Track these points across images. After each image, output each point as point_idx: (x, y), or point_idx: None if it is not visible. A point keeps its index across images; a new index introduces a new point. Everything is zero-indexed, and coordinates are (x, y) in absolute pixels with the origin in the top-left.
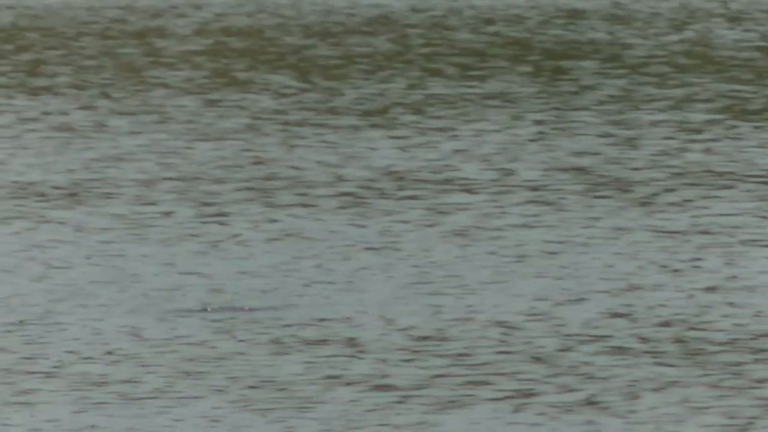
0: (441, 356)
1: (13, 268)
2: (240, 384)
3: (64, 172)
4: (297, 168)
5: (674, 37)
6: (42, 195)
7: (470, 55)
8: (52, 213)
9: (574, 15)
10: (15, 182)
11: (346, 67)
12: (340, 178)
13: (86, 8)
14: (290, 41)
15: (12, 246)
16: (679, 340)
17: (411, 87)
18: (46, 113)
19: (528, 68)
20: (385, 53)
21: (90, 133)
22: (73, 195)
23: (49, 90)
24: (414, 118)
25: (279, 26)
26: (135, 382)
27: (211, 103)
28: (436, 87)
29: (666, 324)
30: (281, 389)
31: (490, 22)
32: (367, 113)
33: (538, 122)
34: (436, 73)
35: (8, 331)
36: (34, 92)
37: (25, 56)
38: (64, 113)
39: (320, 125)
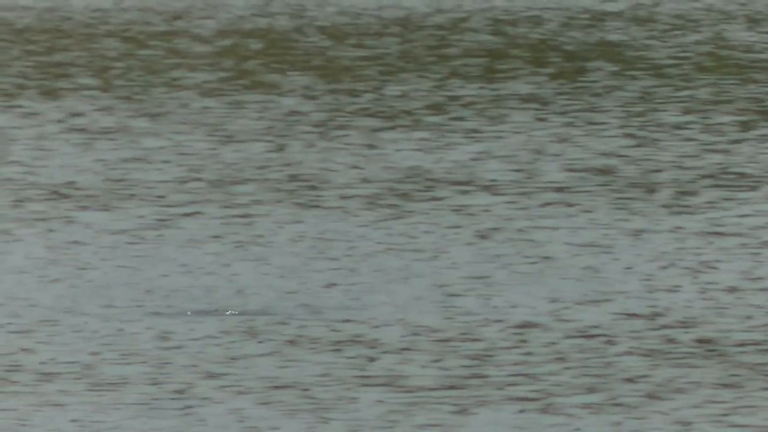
0: (464, 357)
1: (39, 269)
2: (263, 385)
3: (89, 174)
4: (321, 169)
5: (695, 38)
6: (67, 196)
7: (493, 56)
8: (77, 214)
9: (596, 16)
10: (40, 184)
11: (369, 68)
12: (364, 180)
13: (108, 9)
14: (313, 42)
15: (37, 247)
16: (702, 341)
17: (435, 88)
18: (72, 115)
19: (551, 69)
20: (408, 54)
21: (114, 134)
22: (97, 196)
23: (72, 91)
24: (437, 119)
25: (301, 27)
26: (159, 383)
27: (235, 104)
28: (460, 88)
29: (689, 325)
30: (304, 390)
31: (511, 23)
32: (390, 115)
33: (561, 123)
34: (459, 74)
35: (32, 331)
36: (58, 94)
37: (48, 58)
38: (88, 115)
39: (343, 127)
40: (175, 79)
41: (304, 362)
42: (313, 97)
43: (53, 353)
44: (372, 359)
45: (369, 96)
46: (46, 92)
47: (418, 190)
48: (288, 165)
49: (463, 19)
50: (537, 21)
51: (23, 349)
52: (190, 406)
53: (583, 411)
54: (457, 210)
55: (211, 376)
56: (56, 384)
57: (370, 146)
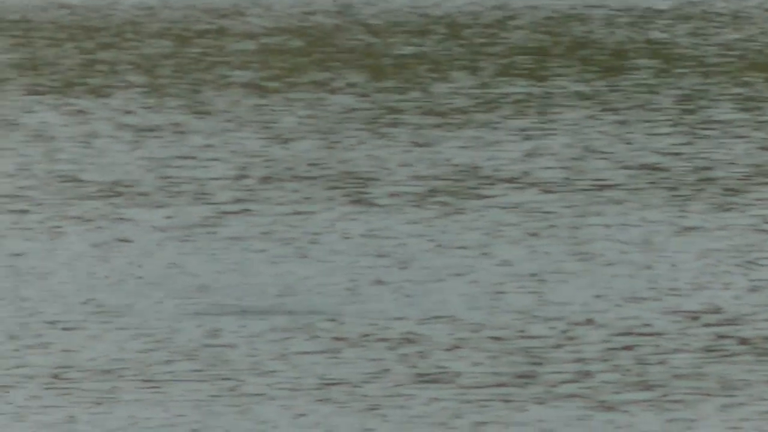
0: (514, 354)
1: (90, 267)
2: (315, 382)
3: (139, 171)
4: (371, 167)
5: (746, 35)
6: (117, 194)
7: (540, 54)
8: (127, 212)
9: (643, 14)
10: (90, 181)
11: (417, 65)
12: (415, 177)
13: (154, 7)
14: (361, 40)
15: (87, 245)
16: (753, 339)
17: (483, 86)
18: (121, 112)
19: (598, 67)
20: (455, 52)
21: (163, 132)
22: (147, 194)
23: (121, 89)
24: (487, 117)
25: (348, 25)
26: (211, 380)
27: (285, 101)
28: (509, 86)
29: (740, 322)
30: (356, 387)
31: (557, 20)
32: (440, 112)
33: (612, 121)
34: (508, 72)
35: (83, 328)
36: (106, 92)
37: (95, 56)
38: (137, 113)
39: (394, 124)
40: (223, 77)
41: (356, 360)
42: (362, 95)
43: (104, 350)
44: (424, 356)
45: (418, 94)
46: (95, 90)
47: (469, 188)
48: (339, 162)
49: (510, 18)
50: (582, 18)
51: (73, 347)
52: (243, 404)
53: (636, 408)
54: (507, 208)
55: (263, 373)
56: (108, 381)
57: (421, 144)
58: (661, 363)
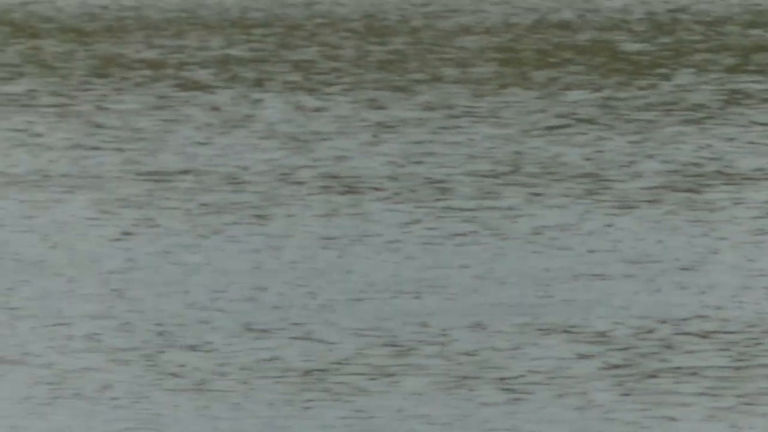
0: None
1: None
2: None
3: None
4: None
5: None
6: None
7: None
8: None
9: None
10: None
11: (650, 60)
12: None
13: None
14: (593, 36)
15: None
16: None
17: (715, 81)
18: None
19: None
20: (684, 48)
21: (414, 126)
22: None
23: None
24: (730, 111)
25: (575, 23)
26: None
27: (513, 98)
28: (753, 83)
29: None
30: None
31: None
32: (683, 108)
33: None
34: (747, 68)
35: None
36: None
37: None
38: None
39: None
40: (444, 76)
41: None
42: (596, 90)
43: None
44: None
45: (652, 90)
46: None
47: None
48: (589, 159)
49: (731, 16)
50: None
51: None
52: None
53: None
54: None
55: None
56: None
57: (647, 138)
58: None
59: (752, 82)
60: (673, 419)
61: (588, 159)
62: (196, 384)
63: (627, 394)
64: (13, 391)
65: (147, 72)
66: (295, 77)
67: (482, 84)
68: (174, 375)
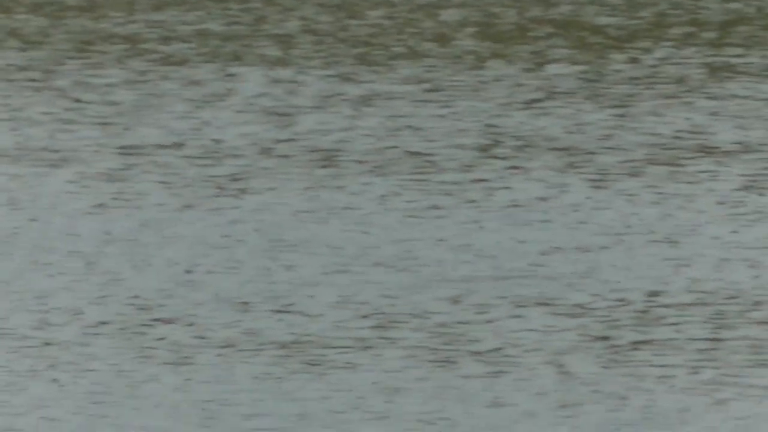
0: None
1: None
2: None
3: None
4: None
5: None
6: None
7: None
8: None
9: None
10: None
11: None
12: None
13: None
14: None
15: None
16: None
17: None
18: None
19: None
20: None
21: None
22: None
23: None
24: None
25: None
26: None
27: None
28: None
29: None
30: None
31: None
32: None
33: None
34: None
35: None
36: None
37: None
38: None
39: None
40: (423, 50)
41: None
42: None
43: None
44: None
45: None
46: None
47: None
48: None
49: None
50: None
51: None
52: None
53: None
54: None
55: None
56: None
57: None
58: None
59: (733, 56)
60: (652, 391)
61: (568, 132)
62: (175, 357)
63: (607, 367)
64: None
65: (125, 46)
66: (274, 51)
67: (461, 58)
68: (153, 348)
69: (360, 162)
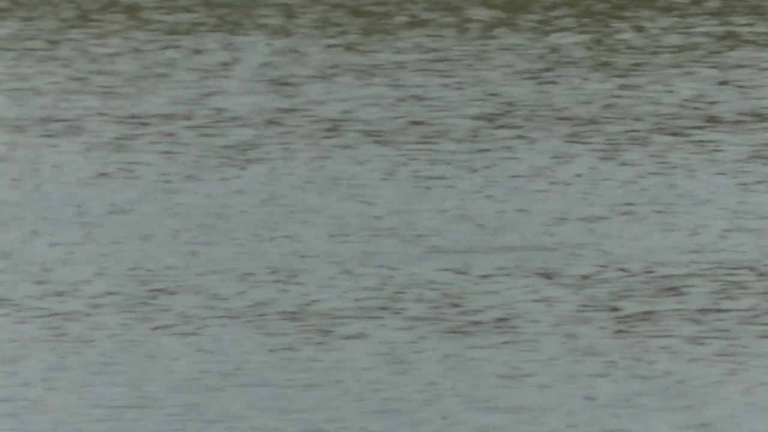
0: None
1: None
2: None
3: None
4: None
5: None
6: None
7: None
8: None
9: None
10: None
11: None
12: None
13: None
14: None
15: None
16: None
17: None
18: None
19: None
20: None
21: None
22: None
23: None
24: None
25: None
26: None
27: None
28: None
29: None
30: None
31: None
32: None
33: None
34: None
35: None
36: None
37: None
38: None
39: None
40: (429, 19)
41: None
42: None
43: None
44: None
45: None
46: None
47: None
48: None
49: None
50: None
51: None
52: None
53: None
54: None
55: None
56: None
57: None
58: None
59: (742, 25)
60: (658, 362)
61: (575, 102)
62: (179, 326)
63: (613, 337)
64: None
65: (128, 16)
66: (278, 21)
67: (468, 27)
68: (156, 318)
69: (365, 132)
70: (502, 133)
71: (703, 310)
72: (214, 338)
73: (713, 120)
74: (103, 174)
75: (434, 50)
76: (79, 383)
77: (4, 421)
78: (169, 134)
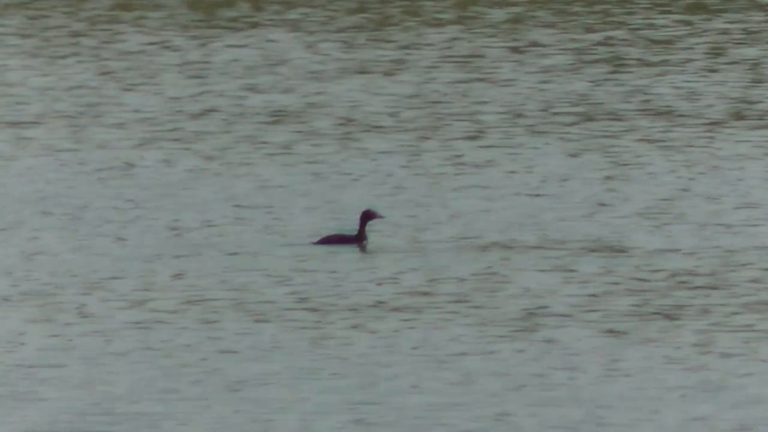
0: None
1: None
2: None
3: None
4: None
5: None
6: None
7: None
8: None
9: None
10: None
11: None
12: None
13: None
14: None
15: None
16: None
17: None
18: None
19: None
20: None
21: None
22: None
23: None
24: None
25: None
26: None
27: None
28: None
29: None
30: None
31: None
32: None
33: None
34: None
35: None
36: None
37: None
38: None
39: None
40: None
41: None
42: None
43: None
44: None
45: None
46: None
47: None
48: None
49: None
50: None
51: None
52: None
53: None
54: None
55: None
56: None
57: None
58: None
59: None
60: (690, 357)
61: (604, 96)
62: (199, 309)
63: (639, 329)
64: (31, 325)
65: (158, 13)
66: (295, 15)
67: (496, 26)
68: (173, 299)
69: (383, 126)
70: (522, 129)
71: (734, 306)
72: (226, 318)
73: (749, 116)
74: (124, 166)
75: (456, 46)
76: (89, 366)
77: None
78: (182, 128)
